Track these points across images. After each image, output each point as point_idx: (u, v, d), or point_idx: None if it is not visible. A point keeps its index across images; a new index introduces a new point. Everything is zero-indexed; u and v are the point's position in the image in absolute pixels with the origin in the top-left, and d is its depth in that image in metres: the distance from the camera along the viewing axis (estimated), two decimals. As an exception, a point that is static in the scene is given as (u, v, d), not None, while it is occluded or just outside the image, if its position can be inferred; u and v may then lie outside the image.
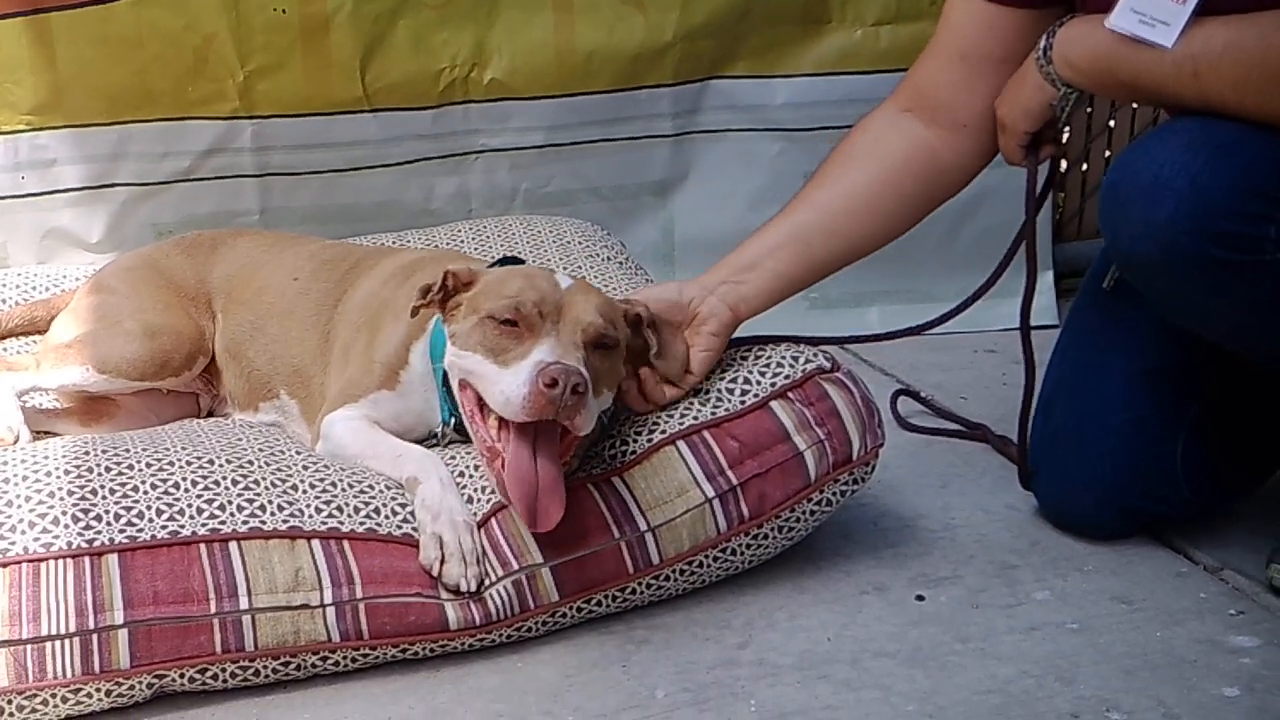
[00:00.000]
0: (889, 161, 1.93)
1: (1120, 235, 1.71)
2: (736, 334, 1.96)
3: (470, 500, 1.77)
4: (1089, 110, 3.30)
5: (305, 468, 1.78)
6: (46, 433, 2.06)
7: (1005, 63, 1.89)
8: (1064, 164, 3.33)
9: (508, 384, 1.65)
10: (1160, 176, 1.62)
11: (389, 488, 1.77)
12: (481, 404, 1.72)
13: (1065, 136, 3.31)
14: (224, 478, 1.72)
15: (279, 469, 1.76)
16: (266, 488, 1.72)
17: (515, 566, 1.71)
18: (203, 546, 1.64)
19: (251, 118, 2.74)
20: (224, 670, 1.61)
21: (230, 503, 1.68)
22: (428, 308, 1.80)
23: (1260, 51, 1.59)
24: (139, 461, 1.73)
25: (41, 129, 2.68)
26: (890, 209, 1.94)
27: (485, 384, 1.69)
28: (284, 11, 2.70)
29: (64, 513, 1.64)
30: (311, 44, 2.73)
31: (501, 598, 1.69)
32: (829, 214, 1.92)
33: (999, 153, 1.95)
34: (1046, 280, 3.08)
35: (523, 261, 1.94)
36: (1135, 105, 3.21)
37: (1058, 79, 1.78)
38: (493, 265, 1.94)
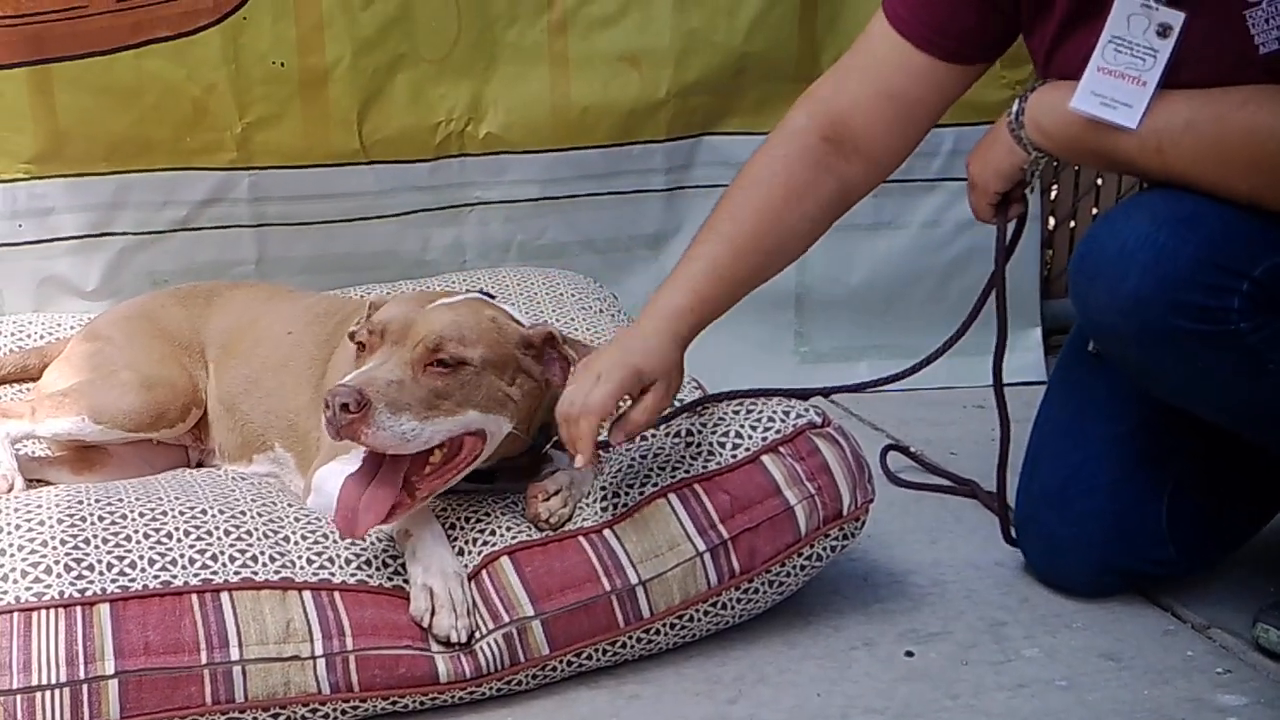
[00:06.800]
0: (810, 208, 1.90)
1: (1089, 308, 1.73)
2: (726, 388, 2.00)
3: (461, 552, 1.78)
4: (1076, 169, 3.35)
5: (297, 519, 1.78)
6: (39, 480, 2.07)
7: (928, 112, 1.91)
8: (1052, 221, 3.37)
9: None
10: (1125, 249, 1.65)
11: (380, 539, 1.78)
12: None
13: (1054, 194, 3.36)
14: (216, 528, 1.72)
15: (271, 520, 1.77)
16: (259, 538, 1.72)
17: (506, 619, 1.71)
18: (194, 597, 1.64)
19: (249, 168, 2.77)
20: (214, 721, 1.60)
21: (222, 553, 1.69)
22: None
23: (1216, 131, 1.63)
24: (132, 511, 1.74)
25: (40, 178, 2.69)
26: (800, 248, 1.95)
27: None
28: (283, 64, 2.73)
29: (56, 562, 1.64)
30: (310, 96, 2.76)
31: (492, 650, 1.69)
32: (754, 260, 1.89)
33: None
34: (1034, 336, 3.11)
35: (493, 297, 1.96)
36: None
37: (1029, 144, 1.80)
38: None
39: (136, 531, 1.70)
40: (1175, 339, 1.64)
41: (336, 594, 1.69)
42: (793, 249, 1.94)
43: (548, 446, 1.89)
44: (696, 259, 1.87)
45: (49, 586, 1.61)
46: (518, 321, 1.83)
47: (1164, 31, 1.65)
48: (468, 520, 1.82)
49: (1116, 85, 1.67)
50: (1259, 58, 1.62)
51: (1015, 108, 1.81)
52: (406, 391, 1.66)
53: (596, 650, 1.75)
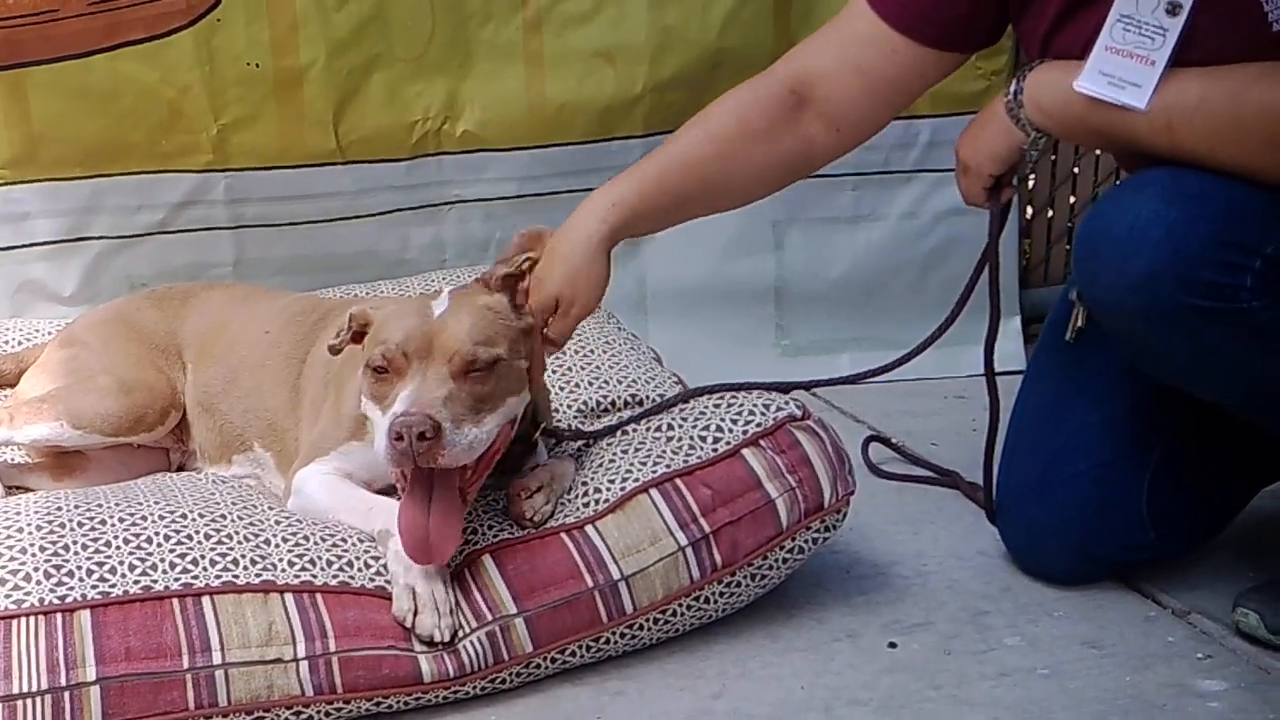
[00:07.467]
0: (761, 155, 1.90)
1: (1097, 285, 1.71)
2: (707, 382, 2.01)
3: (444, 552, 1.78)
4: (1053, 158, 3.36)
5: (278, 522, 1.78)
6: (18, 487, 2.06)
7: (898, 92, 1.91)
8: (1029, 210, 3.38)
9: (378, 435, 1.67)
10: (1136, 226, 1.63)
11: (361, 540, 1.77)
12: None
13: (1031, 183, 3.37)
14: (197, 531, 1.72)
15: (252, 523, 1.76)
16: (239, 542, 1.72)
17: (489, 618, 1.71)
18: (175, 601, 1.63)
19: (225, 170, 2.77)
20: (196, 726, 1.60)
21: (203, 557, 1.68)
22: (344, 346, 1.84)
23: (1233, 107, 1.61)
24: (111, 516, 1.73)
25: (15, 183, 2.69)
26: (745, 191, 1.96)
27: (376, 433, 1.71)
28: (257, 65, 2.73)
29: (36, 569, 1.63)
30: (285, 97, 2.75)
31: (475, 649, 1.69)
32: (694, 183, 1.90)
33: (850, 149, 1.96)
34: (1013, 325, 3.12)
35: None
36: (1099, 152, 3.26)
37: (1029, 124, 1.79)
38: None
39: (116, 537, 1.69)
40: (1185, 316, 1.62)
41: (318, 596, 1.68)
42: (737, 188, 1.94)
43: (537, 435, 1.91)
44: (642, 163, 1.90)
45: (28, 594, 1.61)
46: (484, 284, 1.85)
47: (1173, 10, 1.64)
48: (449, 519, 1.82)
49: (1125, 65, 1.65)
50: (1271, 35, 1.61)
51: (1013, 88, 1.79)
52: (459, 403, 1.67)
53: (580, 647, 1.75)
